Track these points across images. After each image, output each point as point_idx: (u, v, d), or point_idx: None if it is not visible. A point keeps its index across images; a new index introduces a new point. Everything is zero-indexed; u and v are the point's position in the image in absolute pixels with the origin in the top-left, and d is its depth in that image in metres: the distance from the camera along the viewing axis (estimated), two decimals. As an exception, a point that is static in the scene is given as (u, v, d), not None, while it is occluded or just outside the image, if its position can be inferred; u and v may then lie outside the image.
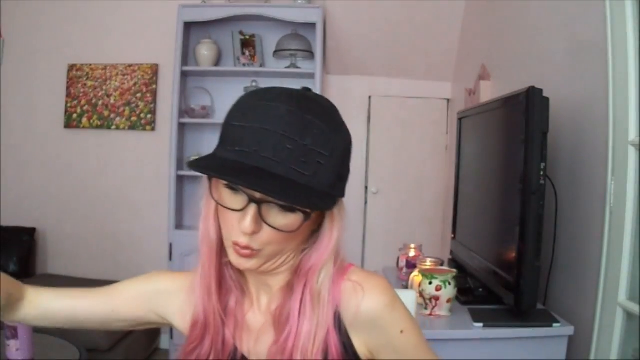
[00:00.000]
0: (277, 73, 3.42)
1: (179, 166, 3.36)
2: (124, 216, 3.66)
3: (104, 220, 3.66)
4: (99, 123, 3.64)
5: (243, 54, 3.42)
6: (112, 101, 3.63)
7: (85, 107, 3.65)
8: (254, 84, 3.40)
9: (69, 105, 3.65)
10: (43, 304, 0.89)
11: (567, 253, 1.82)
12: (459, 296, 1.84)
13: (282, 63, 3.46)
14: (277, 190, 0.66)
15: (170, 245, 3.30)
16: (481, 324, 1.65)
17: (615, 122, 1.53)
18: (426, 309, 1.72)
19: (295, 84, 3.52)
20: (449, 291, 1.73)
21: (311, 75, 3.29)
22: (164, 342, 3.58)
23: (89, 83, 3.64)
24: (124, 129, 3.63)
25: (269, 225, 0.70)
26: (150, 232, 3.61)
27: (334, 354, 0.75)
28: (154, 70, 3.60)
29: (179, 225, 3.40)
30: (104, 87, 3.63)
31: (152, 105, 3.61)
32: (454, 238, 2.47)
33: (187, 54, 3.40)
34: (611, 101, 1.54)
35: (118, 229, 3.66)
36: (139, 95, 3.62)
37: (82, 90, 3.64)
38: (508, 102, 1.78)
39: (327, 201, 0.71)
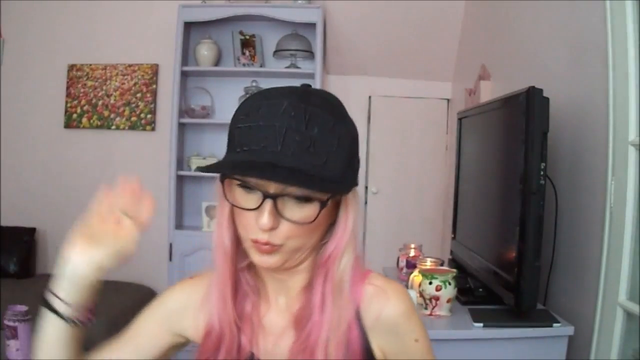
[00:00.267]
0: (277, 73, 3.42)
1: (179, 166, 3.36)
2: (124, 216, 3.66)
3: (104, 220, 3.66)
4: (99, 123, 3.64)
5: (243, 54, 3.42)
6: (112, 101, 3.63)
7: (85, 107, 3.65)
8: (254, 84, 3.40)
9: (69, 105, 3.65)
10: None
11: (567, 253, 1.82)
12: (459, 296, 1.84)
13: (282, 63, 3.46)
14: (290, 178, 0.66)
15: (170, 245, 3.30)
16: (481, 324, 1.64)
17: (616, 122, 1.53)
18: (426, 309, 1.72)
19: (296, 84, 3.49)
20: (449, 291, 1.72)
21: (311, 75, 3.29)
22: (164, 342, 3.58)
23: (89, 83, 3.64)
24: (124, 129, 3.63)
25: (287, 219, 0.70)
26: (150, 232, 3.57)
27: (355, 349, 0.76)
28: (154, 70, 3.60)
29: (179, 225, 3.40)
30: (104, 87, 3.63)
31: (152, 105, 3.61)
32: (454, 238, 2.47)
33: (187, 54, 3.40)
34: (611, 101, 1.54)
35: (118, 229, 3.66)
36: (139, 95, 3.62)
37: (82, 90, 3.64)
38: (508, 102, 1.78)
39: (341, 186, 0.71)
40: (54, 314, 0.82)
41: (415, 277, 1.82)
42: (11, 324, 1.96)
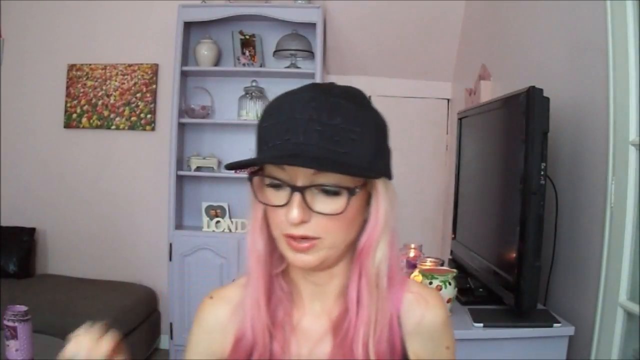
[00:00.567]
0: (277, 73, 3.42)
1: (179, 166, 3.36)
2: (124, 216, 3.66)
3: (104, 220, 3.66)
4: (99, 123, 3.64)
5: (243, 53, 3.41)
6: (111, 101, 3.63)
7: (85, 107, 3.65)
8: (254, 84, 3.40)
9: (68, 105, 3.65)
10: None
11: (567, 253, 1.82)
12: (459, 296, 1.84)
13: (282, 63, 3.46)
14: (313, 162, 0.66)
15: (170, 245, 3.30)
16: (481, 324, 1.64)
17: (616, 122, 1.53)
18: (426, 309, 1.72)
19: (295, 84, 3.48)
20: (449, 291, 1.72)
21: (311, 75, 3.29)
22: (164, 342, 3.58)
23: (89, 83, 3.63)
24: (123, 129, 3.63)
25: (316, 212, 0.69)
26: (150, 232, 3.61)
27: (397, 350, 0.76)
28: (154, 70, 3.60)
29: (179, 225, 3.40)
30: (104, 87, 3.63)
31: (152, 105, 3.61)
32: (454, 238, 2.47)
33: (187, 54, 3.40)
34: (612, 101, 1.54)
35: (118, 229, 3.66)
36: (138, 95, 3.62)
37: (81, 90, 3.64)
38: (508, 102, 1.78)
39: (367, 172, 0.70)
40: None
41: (415, 277, 1.82)
42: (11, 324, 1.96)
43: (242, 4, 3.32)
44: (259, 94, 3.41)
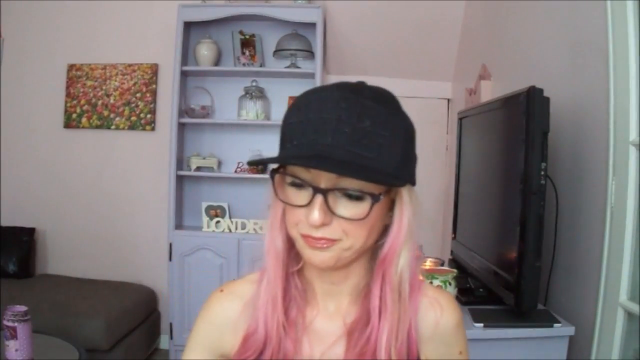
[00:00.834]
0: (277, 73, 3.42)
1: (179, 166, 3.36)
2: (124, 216, 3.66)
3: (104, 220, 3.66)
4: (99, 123, 3.64)
5: (243, 53, 3.41)
6: (111, 101, 3.63)
7: (85, 107, 3.65)
8: (254, 83, 3.40)
9: (68, 105, 3.65)
10: None
11: (567, 253, 1.82)
12: (460, 296, 1.84)
13: (282, 63, 3.46)
14: (339, 167, 0.64)
15: (170, 245, 3.30)
16: (482, 324, 1.64)
17: (616, 122, 1.53)
18: (426, 309, 1.72)
19: (296, 84, 3.54)
20: (449, 291, 1.72)
21: (311, 75, 3.29)
22: (164, 342, 3.58)
23: (89, 83, 3.63)
24: (123, 128, 3.63)
25: (338, 216, 0.68)
26: (150, 232, 3.61)
27: (413, 353, 0.75)
28: (154, 70, 3.59)
29: (178, 225, 3.40)
30: (104, 87, 3.63)
31: (152, 105, 3.61)
32: (454, 238, 2.47)
33: (187, 54, 3.40)
34: (612, 101, 1.54)
35: (118, 229, 3.66)
36: (138, 95, 3.62)
37: (81, 90, 3.64)
38: (508, 102, 1.78)
39: (393, 180, 0.68)
40: None
41: (416, 277, 1.82)
42: (10, 324, 1.96)
43: (242, 4, 3.32)
44: (259, 94, 3.41)
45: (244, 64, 3.40)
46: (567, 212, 1.81)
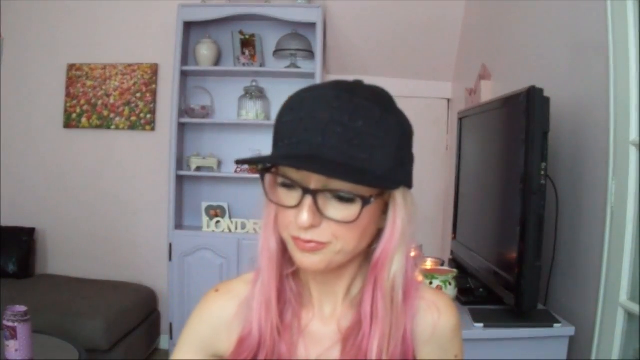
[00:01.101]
0: (277, 73, 3.42)
1: (179, 166, 3.36)
2: (124, 216, 3.66)
3: (104, 220, 3.66)
4: (99, 123, 3.64)
5: (243, 53, 3.41)
6: (111, 101, 3.63)
7: (85, 107, 3.64)
8: (254, 83, 3.40)
9: (68, 105, 3.65)
10: None
11: (568, 253, 1.81)
12: (460, 296, 1.84)
13: (282, 63, 3.46)
14: (328, 169, 0.62)
15: (170, 245, 3.30)
16: (482, 325, 1.64)
17: (616, 121, 1.53)
18: (426, 309, 1.72)
19: (296, 84, 3.53)
20: (449, 291, 1.72)
21: (311, 75, 3.29)
22: (164, 342, 3.58)
23: (89, 83, 3.63)
24: (123, 128, 3.63)
25: (327, 218, 0.66)
26: (150, 232, 3.61)
27: (409, 358, 0.74)
28: (154, 70, 3.59)
29: (178, 225, 3.40)
30: (104, 87, 3.63)
31: (151, 105, 3.61)
32: (454, 238, 2.47)
33: (187, 54, 3.40)
34: (612, 101, 1.54)
35: (118, 229, 3.66)
36: (138, 95, 3.61)
37: (81, 90, 3.64)
38: (509, 102, 1.78)
39: (385, 182, 0.67)
40: None
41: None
42: (10, 324, 1.96)
43: (242, 4, 3.32)
44: (259, 93, 3.41)
45: (244, 64, 3.40)
46: (567, 212, 1.81)
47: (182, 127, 3.41)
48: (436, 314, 0.77)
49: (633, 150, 1.49)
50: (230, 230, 3.31)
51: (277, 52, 3.35)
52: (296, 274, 0.77)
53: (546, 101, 1.58)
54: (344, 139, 0.64)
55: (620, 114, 1.52)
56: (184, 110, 3.41)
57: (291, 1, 3.38)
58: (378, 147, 0.65)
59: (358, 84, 0.70)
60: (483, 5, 2.97)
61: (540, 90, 1.58)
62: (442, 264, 2.04)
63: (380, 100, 0.68)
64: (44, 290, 3.22)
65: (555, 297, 1.86)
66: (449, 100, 3.69)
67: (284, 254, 0.75)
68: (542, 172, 1.57)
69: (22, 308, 2.00)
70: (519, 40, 2.41)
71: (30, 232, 3.55)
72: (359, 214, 0.66)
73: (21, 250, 3.47)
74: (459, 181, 2.48)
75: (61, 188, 3.67)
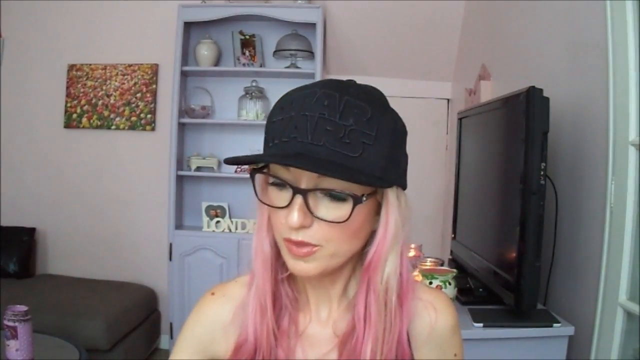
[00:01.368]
0: (277, 73, 3.42)
1: (179, 166, 3.37)
2: (124, 216, 3.66)
3: (104, 220, 3.66)
4: (99, 123, 3.64)
5: (243, 53, 3.42)
6: (112, 101, 3.63)
7: (85, 107, 3.65)
8: (254, 84, 3.40)
9: (68, 105, 3.65)
10: None
11: (567, 253, 1.82)
12: (459, 296, 1.84)
13: (282, 63, 3.46)
14: (316, 166, 0.61)
15: (170, 245, 3.30)
16: (481, 324, 1.64)
17: (616, 122, 1.53)
18: (426, 309, 1.72)
19: (296, 84, 3.50)
20: (449, 291, 1.72)
21: (311, 75, 3.29)
22: (164, 342, 3.58)
23: (89, 83, 3.64)
24: (123, 129, 3.63)
25: (318, 218, 0.65)
26: (150, 232, 3.61)
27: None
28: (154, 70, 3.60)
29: (178, 225, 3.40)
30: (104, 87, 3.63)
31: (152, 105, 3.61)
32: (454, 238, 2.47)
33: (187, 54, 3.40)
34: (611, 101, 1.54)
35: (118, 228, 3.66)
36: (139, 95, 3.62)
37: (82, 90, 3.64)
38: (508, 102, 1.78)
39: (376, 180, 0.65)
40: None
41: (416, 277, 1.82)
42: (11, 324, 1.97)
43: (242, 4, 3.32)
44: (259, 94, 3.42)
45: (244, 64, 3.41)
46: (567, 212, 1.81)
47: (182, 127, 3.42)
48: (433, 314, 0.76)
49: (632, 151, 1.49)
50: (230, 230, 3.31)
51: (277, 52, 3.35)
52: (291, 277, 0.76)
53: (546, 101, 1.58)
54: (334, 137, 0.62)
55: (619, 114, 1.52)
56: (184, 110, 3.41)
57: (291, 1, 3.38)
58: (369, 146, 0.64)
59: (350, 83, 0.69)
60: (483, 5, 2.97)
61: (540, 91, 1.58)
62: (442, 264, 2.04)
63: (372, 99, 0.67)
64: (44, 290, 3.22)
65: (555, 297, 1.86)
66: (448, 100, 3.69)
67: (278, 257, 0.73)
68: (542, 172, 1.57)
69: (23, 308, 2.01)
70: (518, 41, 2.42)
71: (31, 232, 3.56)
72: (351, 214, 0.65)
73: (21, 250, 3.47)
74: (458, 181, 2.48)
75: (61, 188, 3.67)
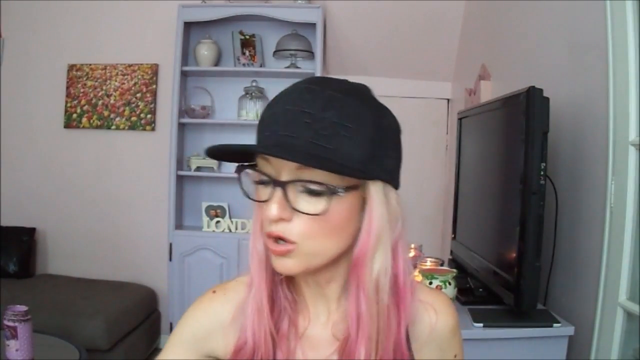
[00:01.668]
0: (277, 73, 3.42)
1: (179, 166, 3.37)
2: (124, 216, 3.66)
3: (104, 220, 3.66)
4: (99, 123, 3.64)
5: (243, 53, 3.42)
6: (112, 101, 3.63)
7: (85, 107, 3.65)
8: (254, 84, 3.40)
9: (68, 105, 3.65)
10: None
11: (567, 253, 1.82)
12: (459, 296, 1.84)
13: (282, 63, 3.46)
14: (289, 153, 0.62)
15: (170, 245, 3.30)
16: (481, 324, 1.64)
17: (616, 122, 1.53)
18: (426, 309, 1.72)
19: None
20: (449, 291, 1.72)
21: (311, 75, 3.29)
22: (164, 342, 3.57)
23: (89, 83, 3.64)
24: (123, 129, 3.63)
25: (297, 211, 0.65)
26: (150, 232, 3.61)
27: None
28: (154, 70, 3.60)
29: (178, 225, 3.40)
30: (104, 87, 3.63)
31: (152, 105, 3.61)
32: (454, 238, 2.47)
33: (187, 54, 3.40)
34: (611, 101, 1.54)
35: (118, 229, 3.66)
36: (139, 95, 3.62)
37: (82, 90, 3.64)
38: (508, 102, 1.78)
39: (351, 171, 0.64)
40: None
41: (416, 277, 1.82)
42: (11, 324, 1.97)
43: (242, 4, 3.32)
44: (259, 94, 3.41)
45: (244, 64, 3.41)
46: (567, 212, 1.81)
47: (182, 127, 3.42)
48: (433, 315, 0.76)
49: (632, 151, 1.49)
50: (230, 230, 3.31)
51: (277, 52, 3.35)
52: (290, 278, 0.75)
53: (546, 101, 1.58)
54: (313, 129, 0.63)
55: (619, 114, 1.52)
56: (184, 110, 3.41)
57: (291, 1, 3.38)
58: (348, 138, 0.63)
59: (334, 79, 0.69)
60: (483, 5, 2.97)
61: (540, 91, 1.58)
62: (442, 264, 2.04)
63: (356, 93, 0.67)
64: (44, 290, 3.22)
65: (555, 297, 1.86)
66: (448, 100, 3.69)
67: None
68: (542, 172, 1.57)
69: (23, 308, 2.01)
70: (518, 40, 2.42)
71: (31, 232, 3.56)
72: (327, 206, 0.64)
73: (21, 250, 3.47)
74: (458, 181, 2.48)
75: (61, 188, 3.67)
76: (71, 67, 3.64)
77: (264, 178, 0.67)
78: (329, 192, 0.64)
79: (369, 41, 3.50)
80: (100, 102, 3.64)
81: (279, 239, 0.66)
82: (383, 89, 3.70)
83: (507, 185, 1.77)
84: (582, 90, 1.78)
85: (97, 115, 3.64)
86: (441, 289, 1.71)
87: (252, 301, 0.73)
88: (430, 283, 1.72)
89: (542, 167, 1.57)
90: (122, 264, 3.64)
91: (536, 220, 1.58)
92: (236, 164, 0.71)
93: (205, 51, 3.36)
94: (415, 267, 1.97)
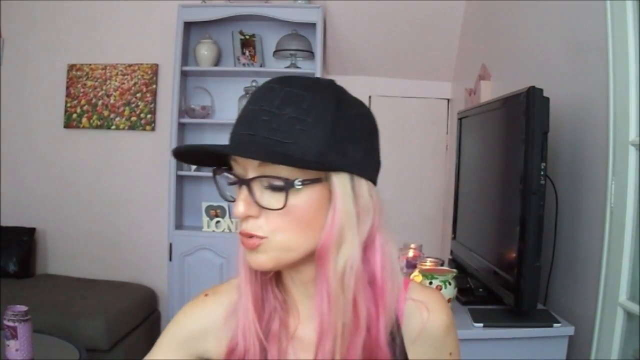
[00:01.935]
0: (277, 73, 3.39)
1: (179, 166, 3.36)
2: (124, 216, 3.66)
3: (104, 220, 3.66)
4: (99, 123, 3.64)
5: (243, 53, 3.42)
6: (112, 101, 3.63)
7: (85, 107, 3.65)
8: (254, 84, 3.40)
9: (68, 105, 3.65)
10: None
11: (567, 253, 1.82)
12: (459, 296, 1.84)
13: (282, 63, 3.46)
14: (238, 149, 0.66)
15: (170, 245, 3.30)
16: (481, 324, 1.64)
17: (616, 122, 1.53)
18: (426, 309, 1.72)
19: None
20: (449, 291, 1.72)
21: (311, 75, 3.29)
22: (164, 342, 3.58)
23: (89, 83, 3.64)
24: (123, 129, 3.63)
25: (262, 207, 0.66)
26: (150, 232, 3.61)
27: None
28: (154, 70, 3.60)
29: (178, 225, 3.40)
30: (104, 87, 3.63)
31: (152, 105, 3.61)
32: (454, 238, 2.47)
33: (187, 54, 3.40)
34: (611, 101, 1.54)
35: (118, 228, 3.66)
36: (138, 95, 3.62)
37: (81, 90, 3.64)
38: (508, 102, 1.78)
39: (306, 163, 0.64)
40: None
41: (415, 277, 1.82)
42: (11, 324, 1.96)
43: (242, 4, 3.32)
44: (259, 94, 3.41)
45: (244, 64, 3.40)
46: (567, 212, 1.81)
47: (182, 127, 3.42)
48: (425, 313, 0.75)
49: (632, 151, 1.49)
50: (230, 230, 3.31)
51: (277, 52, 3.35)
52: (278, 279, 0.76)
53: (546, 101, 1.58)
54: (270, 126, 0.65)
55: (619, 114, 1.52)
56: (184, 110, 3.41)
57: (291, 1, 3.38)
58: (304, 131, 0.64)
59: (298, 76, 0.70)
60: (483, 5, 2.97)
61: (540, 90, 1.58)
62: (442, 264, 2.04)
63: (317, 88, 0.68)
64: (44, 290, 3.22)
65: (555, 297, 1.86)
66: (448, 100, 3.69)
67: None
68: (542, 172, 1.57)
69: (23, 308, 2.01)
70: (518, 40, 2.42)
71: (31, 232, 3.56)
72: (285, 200, 0.65)
73: (21, 250, 3.47)
74: (458, 181, 2.48)
75: (61, 188, 3.67)
76: (71, 67, 3.64)
77: (234, 178, 0.70)
78: (288, 186, 0.65)
79: (369, 41, 3.50)
80: (100, 102, 3.64)
81: (250, 236, 0.68)
82: (383, 89, 3.73)
83: (507, 185, 1.77)
84: (582, 90, 1.78)
85: (97, 115, 3.64)
86: (441, 289, 1.71)
87: (242, 303, 0.74)
88: (430, 283, 1.72)
89: (542, 167, 1.57)
90: (122, 264, 3.64)
91: (536, 220, 1.58)
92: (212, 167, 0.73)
93: (205, 51, 3.36)
94: (415, 267, 1.97)
